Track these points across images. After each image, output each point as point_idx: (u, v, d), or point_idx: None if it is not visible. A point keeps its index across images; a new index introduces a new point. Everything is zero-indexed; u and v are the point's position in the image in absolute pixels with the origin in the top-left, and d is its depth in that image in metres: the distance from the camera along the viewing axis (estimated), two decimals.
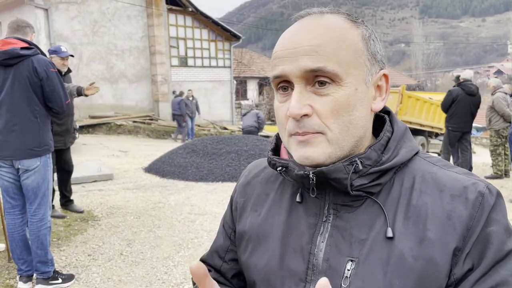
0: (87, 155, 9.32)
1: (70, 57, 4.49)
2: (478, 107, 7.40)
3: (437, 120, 11.57)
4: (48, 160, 3.11)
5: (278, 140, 0.85)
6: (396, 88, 11.27)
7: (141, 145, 12.36)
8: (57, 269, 3.31)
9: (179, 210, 5.34)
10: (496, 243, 0.66)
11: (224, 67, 19.79)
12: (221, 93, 19.66)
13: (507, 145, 7.46)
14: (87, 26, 15.51)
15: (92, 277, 3.45)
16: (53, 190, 4.77)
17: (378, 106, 0.74)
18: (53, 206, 4.68)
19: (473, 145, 10.34)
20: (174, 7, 17.69)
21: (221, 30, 19.49)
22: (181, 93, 14.33)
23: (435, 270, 0.67)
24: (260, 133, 10.94)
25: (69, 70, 4.61)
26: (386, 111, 0.81)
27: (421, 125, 11.50)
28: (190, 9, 18.14)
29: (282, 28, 0.76)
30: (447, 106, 7.33)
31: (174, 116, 14.15)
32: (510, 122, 7.38)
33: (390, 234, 0.69)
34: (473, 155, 8.52)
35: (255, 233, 0.84)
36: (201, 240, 4.30)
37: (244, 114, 10.85)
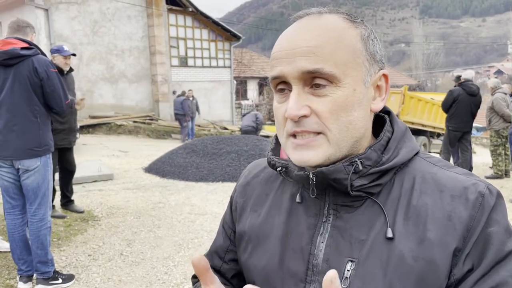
0: (87, 155, 9.32)
1: (72, 56, 4.52)
2: (478, 107, 7.40)
3: (439, 121, 11.59)
4: (48, 160, 3.11)
5: (278, 140, 0.84)
6: (398, 89, 11.31)
7: (141, 145, 12.36)
8: (57, 269, 3.31)
9: (179, 210, 5.34)
10: (496, 243, 0.66)
11: (224, 67, 19.79)
12: (221, 93, 19.65)
13: (507, 145, 7.46)
14: (87, 26, 15.52)
15: (92, 277, 3.45)
16: (54, 190, 4.78)
17: (377, 106, 0.74)
18: (53, 206, 4.69)
19: (473, 145, 10.34)
20: (174, 7, 17.69)
21: (221, 30, 19.49)
22: (183, 93, 14.33)
23: (435, 270, 0.66)
24: (259, 134, 11.07)
25: (71, 69, 4.65)
26: (386, 111, 0.81)
27: (423, 125, 11.54)
28: (190, 9, 18.14)
29: (282, 28, 0.75)
30: (448, 106, 7.32)
31: (177, 116, 14.15)
32: (510, 122, 7.38)
33: (390, 234, 0.69)
34: (473, 155, 8.52)
35: (255, 233, 0.84)
36: (201, 240, 4.30)
37: (244, 115, 11.17)
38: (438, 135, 12.29)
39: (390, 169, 0.72)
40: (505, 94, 7.46)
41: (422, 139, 11.79)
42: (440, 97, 11.99)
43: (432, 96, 13.16)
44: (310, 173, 0.72)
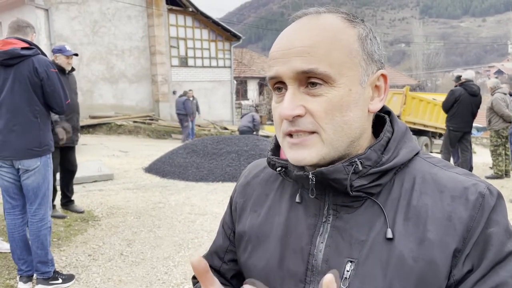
0: (88, 155, 9.32)
1: (73, 56, 4.54)
2: (479, 107, 7.40)
3: (441, 121, 11.64)
4: (48, 160, 3.11)
5: (277, 140, 0.84)
6: (400, 89, 11.35)
7: (141, 145, 12.36)
8: (57, 269, 3.31)
9: (179, 210, 5.34)
10: (496, 244, 0.66)
11: (224, 67, 19.79)
12: (221, 93, 19.65)
13: (508, 145, 7.46)
14: (88, 26, 15.52)
15: (92, 277, 3.45)
16: (55, 190, 4.79)
17: (376, 106, 0.74)
18: (54, 205, 4.69)
19: (473, 145, 10.34)
20: (174, 7, 17.69)
21: (221, 30, 19.49)
22: (185, 93, 14.33)
23: (435, 271, 0.66)
24: (256, 134, 11.36)
25: (72, 69, 4.67)
26: (386, 111, 0.81)
27: (424, 125, 11.57)
28: (190, 9, 18.14)
29: (282, 28, 0.75)
30: (449, 106, 7.31)
31: (179, 116, 14.16)
32: (510, 122, 7.37)
33: (390, 235, 0.68)
34: (473, 155, 8.52)
35: (255, 233, 0.83)
36: (201, 240, 4.30)
37: (243, 115, 11.55)
38: (440, 135, 12.32)
39: (390, 169, 0.72)
40: (505, 94, 7.46)
41: (424, 139, 11.81)
42: (442, 98, 12.05)
43: (434, 97, 13.19)
44: (310, 173, 0.72)
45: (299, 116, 0.68)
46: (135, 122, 15.51)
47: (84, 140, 11.82)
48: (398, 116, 10.27)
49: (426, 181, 0.72)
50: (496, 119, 7.47)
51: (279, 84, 0.72)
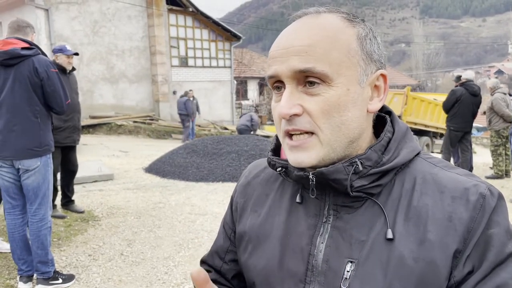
0: (88, 155, 9.32)
1: (74, 56, 4.55)
2: (479, 107, 7.41)
3: (442, 121, 11.68)
4: (48, 160, 3.11)
5: (278, 140, 0.84)
6: (401, 90, 11.39)
7: (141, 145, 12.36)
8: (57, 269, 3.31)
9: (179, 210, 5.34)
10: (497, 245, 0.66)
11: (225, 67, 19.79)
12: (221, 93, 19.66)
13: (508, 145, 7.46)
14: (88, 26, 15.52)
15: (92, 277, 3.45)
16: (56, 190, 4.79)
17: (375, 106, 0.73)
18: (55, 205, 4.70)
19: (473, 145, 10.34)
20: (174, 7, 17.70)
21: (221, 30, 19.49)
22: (186, 93, 14.34)
23: (435, 272, 0.66)
24: (255, 133, 11.68)
25: (73, 69, 4.67)
26: (387, 111, 0.80)
27: (426, 125, 11.60)
28: (190, 9, 18.14)
29: (282, 28, 0.75)
30: (450, 105, 7.29)
31: (181, 116, 14.18)
32: (510, 122, 7.37)
33: (390, 235, 0.68)
34: (473, 155, 8.52)
35: (255, 233, 0.83)
36: (202, 240, 4.30)
37: (242, 115, 11.94)
38: (441, 135, 12.35)
39: (391, 169, 0.72)
40: (505, 94, 7.45)
41: (425, 139, 11.84)
42: (443, 98, 12.09)
43: (435, 97, 13.21)
44: (310, 174, 0.72)
45: (297, 115, 0.69)
46: (135, 122, 15.51)
47: (84, 140, 11.82)
48: (399, 117, 10.31)
49: (426, 181, 0.72)
50: (496, 119, 7.47)
51: (278, 83, 0.72)
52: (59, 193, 4.98)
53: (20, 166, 2.99)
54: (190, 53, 18.64)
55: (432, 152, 12.08)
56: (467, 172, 0.74)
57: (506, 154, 7.58)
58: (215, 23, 19.22)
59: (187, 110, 13.75)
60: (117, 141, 12.96)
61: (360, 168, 0.70)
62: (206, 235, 4.44)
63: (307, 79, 0.68)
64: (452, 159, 7.68)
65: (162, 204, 5.58)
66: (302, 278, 0.74)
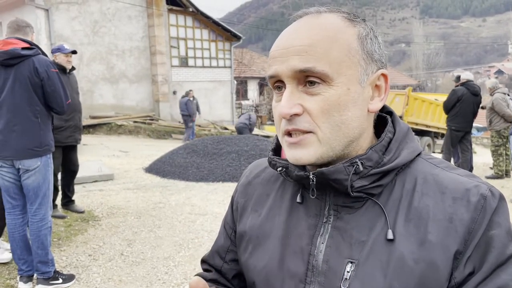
0: (88, 155, 9.32)
1: (73, 55, 4.56)
2: (479, 107, 7.42)
3: (443, 121, 11.72)
4: (49, 160, 3.11)
5: (279, 140, 0.84)
6: (402, 90, 11.44)
7: (141, 145, 12.36)
8: (57, 269, 3.31)
9: (179, 210, 5.34)
10: (498, 246, 0.66)
11: (225, 67, 19.79)
12: (221, 93, 19.66)
13: (508, 145, 7.46)
14: (88, 26, 15.52)
15: (92, 277, 3.45)
16: (57, 189, 4.79)
17: (376, 106, 0.73)
18: (56, 205, 4.70)
19: (473, 145, 10.34)
20: (174, 7, 17.70)
21: (221, 30, 19.49)
22: (187, 93, 14.35)
23: (435, 273, 0.66)
24: (251, 133, 11.92)
25: (73, 68, 4.67)
26: (388, 111, 0.80)
27: (427, 126, 11.63)
28: (190, 9, 18.14)
29: (283, 28, 0.76)
30: (451, 105, 7.28)
31: (183, 117, 14.20)
32: (511, 122, 7.37)
33: (390, 236, 0.68)
34: (473, 155, 8.51)
35: (255, 233, 0.83)
36: (202, 240, 4.30)
37: (241, 115, 11.74)
38: (442, 135, 12.39)
39: (391, 170, 0.71)
40: (504, 94, 7.45)
41: (426, 139, 11.88)
42: (444, 98, 12.14)
43: (436, 97, 13.24)
44: (310, 174, 0.72)
45: (297, 114, 0.69)
46: (135, 122, 15.51)
47: (84, 140, 11.79)
48: (401, 117, 10.33)
49: (427, 182, 0.72)
50: (497, 119, 7.46)
51: (279, 83, 0.72)
52: (60, 193, 4.98)
53: (20, 166, 2.99)
54: (190, 53, 18.64)
55: (434, 152, 12.10)
56: (468, 173, 0.73)
57: (506, 154, 7.58)
58: (215, 23, 19.22)
59: (188, 110, 13.76)
60: (117, 141, 12.96)
61: (361, 168, 0.69)
62: (206, 235, 4.44)
63: (308, 78, 0.68)
64: (452, 159, 7.68)
65: (162, 204, 5.58)
66: (302, 278, 0.74)
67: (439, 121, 11.82)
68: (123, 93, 16.54)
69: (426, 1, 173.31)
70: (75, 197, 5.16)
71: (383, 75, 0.73)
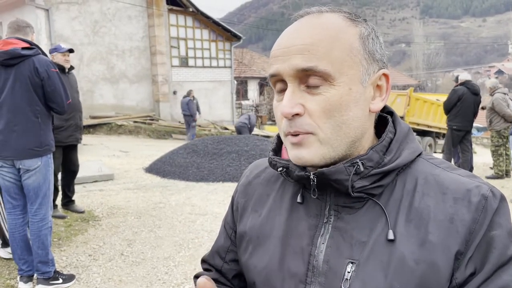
0: (88, 155, 9.32)
1: (72, 55, 4.55)
2: (479, 106, 7.42)
3: (444, 121, 11.76)
4: (49, 160, 3.11)
5: (279, 140, 0.84)
6: (404, 91, 11.49)
7: (141, 145, 12.36)
8: (57, 269, 3.31)
9: (179, 210, 5.34)
10: (499, 247, 0.66)
11: (225, 67, 19.79)
12: (221, 93, 19.66)
13: (508, 145, 7.46)
14: (88, 26, 15.52)
15: (92, 277, 3.45)
16: (57, 189, 4.79)
17: (377, 106, 0.73)
18: (56, 205, 4.70)
19: (473, 145, 10.34)
20: (174, 8, 17.70)
21: (221, 30, 19.49)
22: (189, 93, 14.35)
23: (436, 274, 0.66)
24: (249, 133, 12.01)
25: (71, 67, 4.67)
26: (389, 111, 0.80)
27: (428, 126, 11.67)
28: (190, 10, 18.14)
29: (283, 28, 0.76)
30: (452, 105, 7.27)
31: (185, 117, 14.20)
32: (511, 122, 7.37)
33: (391, 236, 0.68)
34: (474, 155, 8.51)
35: (256, 233, 0.83)
36: (202, 240, 4.30)
37: (241, 115, 11.91)
38: (444, 135, 12.42)
39: (392, 170, 0.71)
40: (504, 94, 7.45)
41: (428, 139, 11.91)
42: (445, 98, 12.19)
43: (438, 98, 13.27)
44: (311, 174, 0.72)
45: (298, 115, 0.68)
46: (135, 122, 15.51)
47: (84, 140, 11.78)
48: (402, 117, 10.35)
49: (428, 182, 0.71)
50: (497, 119, 7.46)
51: (280, 83, 0.72)
52: (60, 193, 4.98)
53: (20, 166, 2.99)
54: (191, 53, 18.64)
55: (435, 152, 12.11)
56: (469, 173, 0.73)
57: (506, 154, 7.58)
58: (215, 23, 19.21)
59: (190, 110, 13.77)
60: (118, 141, 12.96)
61: (362, 168, 0.69)
62: (206, 235, 4.43)
63: (309, 79, 0.68)
64: (452, 159, 7.68)
65: (162, 204, 5.58)
66: (302, 278, 0.74)
67: (440, 121, 11.87)
68: (123, 93, 16.54)
69: (426, 1, 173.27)
70: (75, 197, 5.17)
71: (385, 75, 0.73)
